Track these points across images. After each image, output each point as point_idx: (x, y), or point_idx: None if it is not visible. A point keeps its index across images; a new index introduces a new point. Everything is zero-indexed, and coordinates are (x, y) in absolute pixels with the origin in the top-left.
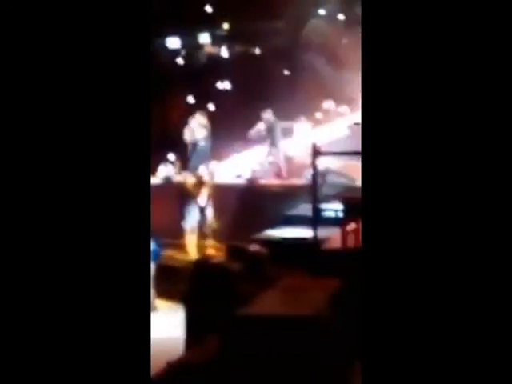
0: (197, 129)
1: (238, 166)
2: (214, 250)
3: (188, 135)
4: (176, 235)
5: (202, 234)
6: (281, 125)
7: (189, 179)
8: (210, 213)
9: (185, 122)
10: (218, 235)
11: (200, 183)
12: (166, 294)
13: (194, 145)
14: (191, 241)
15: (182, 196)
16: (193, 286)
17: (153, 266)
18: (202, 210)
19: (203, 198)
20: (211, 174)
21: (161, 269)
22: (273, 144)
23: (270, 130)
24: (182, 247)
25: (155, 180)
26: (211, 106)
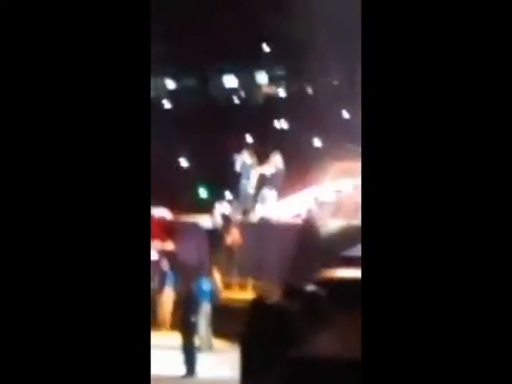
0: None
1: (297, 206)
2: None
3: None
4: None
5: (228, 271)
6: (342, 165)
7: (218, 219)
8: (237, 251)
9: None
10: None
11: (228, 223)
12: (224, 333)
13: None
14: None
15: (211, 235)
16: (249, 326)
17: (208, 306)
18: (230, 248)
19: (231, 236)
20: (243, 214)
21: (218, 308)
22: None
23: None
24: (238, 287)
25: (212, 219)
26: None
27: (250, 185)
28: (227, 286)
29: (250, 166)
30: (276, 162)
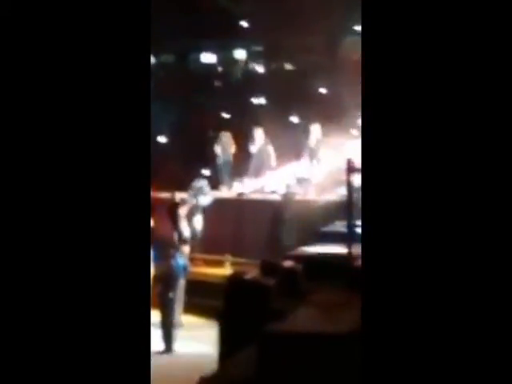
0: (227, 146)
1: (274, 182)
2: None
3: (219, 151)
4: (208, 251)
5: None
6: (329, 141)
7: (177, 197)
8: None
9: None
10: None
11: (182, 201)
12: (196, 309)
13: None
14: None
15: (173, 213)
16: (226, 301)
17: (182, 282)
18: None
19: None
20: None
21: (190, 284)
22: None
23: (317, 146)
24: (212, 262)
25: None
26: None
27: (229, 163)
28: (204, 262)
29: (228, 145)
30: (316, 133)
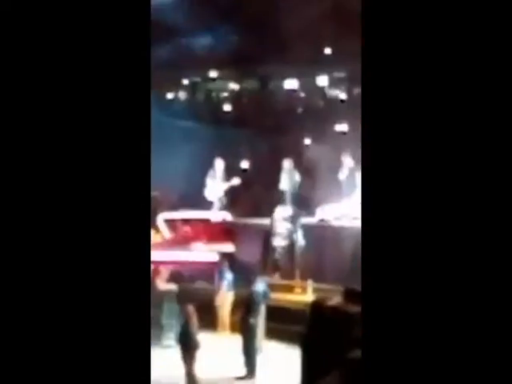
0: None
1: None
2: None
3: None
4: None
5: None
6: None
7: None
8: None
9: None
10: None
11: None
12: (277, 334)
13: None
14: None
15: (271, 237)
16: (309, 328)
17: (263, 307)
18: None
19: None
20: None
21: (272, 310)
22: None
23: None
24: (291, 288)
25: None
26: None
27: (295, 189)
28: (287, 288)
29: (292, 172)
30: (346, 163)
